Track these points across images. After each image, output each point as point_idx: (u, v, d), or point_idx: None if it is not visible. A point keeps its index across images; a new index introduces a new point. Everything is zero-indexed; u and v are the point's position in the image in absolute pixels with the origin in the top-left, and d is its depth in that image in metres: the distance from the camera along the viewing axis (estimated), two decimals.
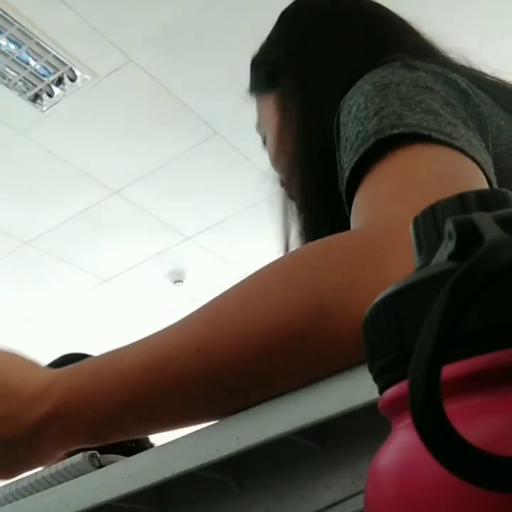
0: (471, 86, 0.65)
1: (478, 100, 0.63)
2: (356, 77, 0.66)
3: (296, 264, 0.46)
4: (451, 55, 0.77)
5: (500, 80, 0.74)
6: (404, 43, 0.78)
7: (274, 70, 0.82)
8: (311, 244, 0.49)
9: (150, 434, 0.53)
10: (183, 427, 0.49)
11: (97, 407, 0.49)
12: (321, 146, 0.72)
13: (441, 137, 0.53)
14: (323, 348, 0.43)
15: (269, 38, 0.87)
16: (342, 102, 0.66)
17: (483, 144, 0.59)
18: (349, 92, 0.65)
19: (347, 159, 0.59)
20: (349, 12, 0.82)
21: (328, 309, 0.43)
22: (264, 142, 0.87)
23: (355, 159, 0.56)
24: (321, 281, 0.43)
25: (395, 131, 0.54)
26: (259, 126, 0.87)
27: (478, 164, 0.54)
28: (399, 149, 0.54)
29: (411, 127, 0.54)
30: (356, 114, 0.60)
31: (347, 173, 0.57)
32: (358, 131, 0.58)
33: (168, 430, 0.50)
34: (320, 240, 0.48)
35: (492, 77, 0.74)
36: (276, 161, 0.83)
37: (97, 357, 0.52)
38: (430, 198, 0.31)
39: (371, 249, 0.45)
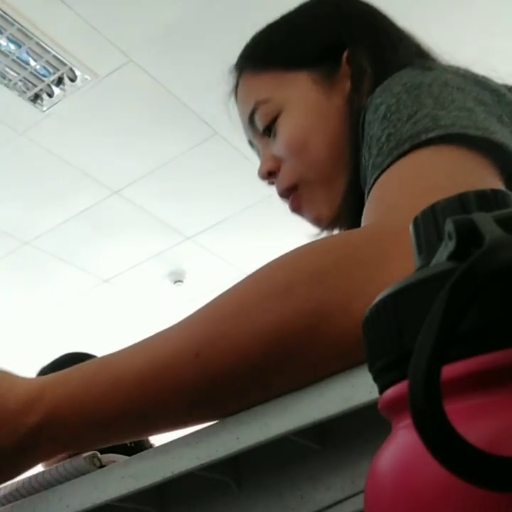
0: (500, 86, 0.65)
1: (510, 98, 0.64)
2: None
3: (297, 264, 0.45)
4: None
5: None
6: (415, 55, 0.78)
7: (326, 45, 0.79)
8: (312, 242, 0.48)
9: (145, 437, 0.52)
10: (178, 429, 0.49)
11: (88, 415, 0.47)
12: None
13: (479, 133, 0.53)
14: (323, 350, 0.42)
15: (310, 16, 0.82)
16: (368, 100, 0.65)
17: None
18: (376, 91, 0.64)
19: (374, 159, 0.58)
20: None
21: (328, 311, 0.42)
22: (273, 121, 0.79)
23: (387, 161, 0.55)
24: (320, 283, 0.43)
25: (431, 134, 0.54)
26: (268, 103, 0.79)
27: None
28: (421, 150, 0.54)
29: (446, 128, 0.54)
30: (386, 115, 0.59)
31: (377, 173, 0.56)
32: (390, 134, 0.57)
33: (163, 433, 0.50)
34: (323, 239, 0.47)
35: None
36: (300, 142, 0.77)
37: (88, 363, 0.50)
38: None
39: (372, 249, 0.44)
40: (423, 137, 0.54)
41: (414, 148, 0.54)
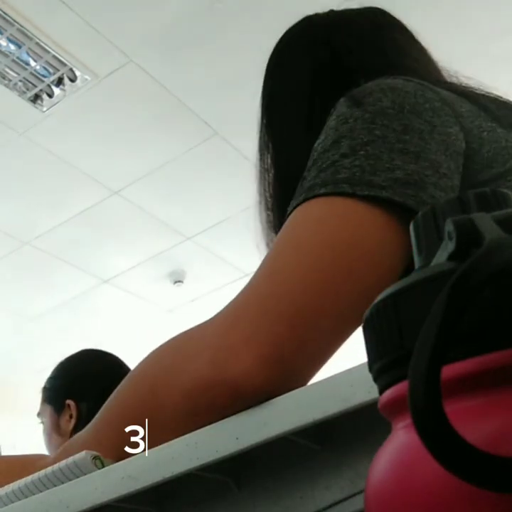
0: (448, 102, 0.64)
1: (453, 118, 0.63)
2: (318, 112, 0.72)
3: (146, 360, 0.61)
4: (441, 69, 0.79)
5: (494, 94, 0.74)
6: (400, 59, 0.79)
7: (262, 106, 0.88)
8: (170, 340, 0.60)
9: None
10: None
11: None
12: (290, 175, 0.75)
13: (366, 193, 0.55)
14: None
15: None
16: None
17: (443, 170, 0.58)
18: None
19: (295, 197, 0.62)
20: (335, 33, 0.84)
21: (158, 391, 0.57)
22: None
23: (289, 209, 0.60)
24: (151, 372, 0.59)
25: (322, 191, 0.57)
26: None
27: (409, 207, 0.55)
28: (311, 201, 0.58)
29: (335, 186, 0.56)
30: (313, 152, 0.63)
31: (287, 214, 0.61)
32: (304, 177, 0.61)
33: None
34: (176, 336, 0.59)
35: (486, 92, 0.74)
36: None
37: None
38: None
39: (184, 344, 0.56)
40: (316, 192, 0.57)
41: (307, 200, 0.58)
